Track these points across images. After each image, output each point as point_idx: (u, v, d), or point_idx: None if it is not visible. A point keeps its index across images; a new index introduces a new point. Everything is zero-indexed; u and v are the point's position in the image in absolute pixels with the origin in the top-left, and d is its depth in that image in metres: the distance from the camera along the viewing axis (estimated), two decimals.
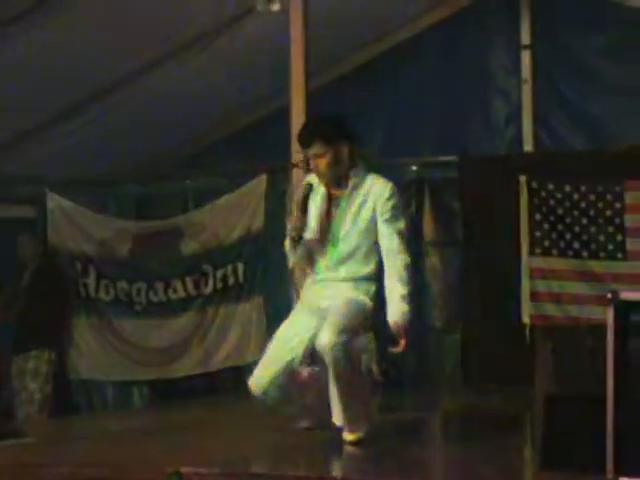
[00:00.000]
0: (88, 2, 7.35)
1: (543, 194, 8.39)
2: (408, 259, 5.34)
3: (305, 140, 5.43)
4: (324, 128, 5.41)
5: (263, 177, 8.86)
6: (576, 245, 8.32)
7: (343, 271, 5.40)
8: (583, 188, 8.32)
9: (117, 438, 6.16)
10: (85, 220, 9.36)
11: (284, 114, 7.36)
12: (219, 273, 9.11)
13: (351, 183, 5.40)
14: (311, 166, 5.46)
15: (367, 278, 5.42)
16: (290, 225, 5.44)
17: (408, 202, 8.71)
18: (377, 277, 5.45)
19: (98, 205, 9.45)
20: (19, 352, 8.80)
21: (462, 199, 8.66)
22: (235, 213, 9.02)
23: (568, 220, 8.34)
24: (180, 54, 8.48)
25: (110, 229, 9.37)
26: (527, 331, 8.28)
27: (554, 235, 8.37)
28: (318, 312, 5.37)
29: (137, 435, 6.30)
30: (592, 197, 8.28)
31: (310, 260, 5.47)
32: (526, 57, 9.21)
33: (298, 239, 5.35)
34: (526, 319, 8.33)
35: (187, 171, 9.60)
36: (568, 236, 8.34)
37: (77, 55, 7.80)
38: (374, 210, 5.34)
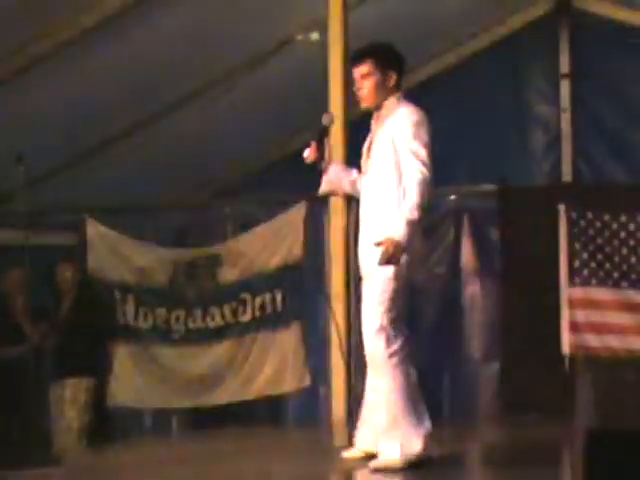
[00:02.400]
0: (125, 39, 7.42)
1: (582, 223, 8.35)
2: (418, 174, 5.13)
3: (357, 57, 5.46)
4: (378, 50, 5.44)
5: (302, 206, 8.87)
6: (615, 275, 8.28)
7: (374, 205, 5.33)
8: (623, 218, 8.28)
9: (154, 467, 6.16)
10: (124, 247, 9.38)
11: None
12: (257, 301, 9.11)
13: (384, 111, 5.39)
14: (356, 86, 5.45)
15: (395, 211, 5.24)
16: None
17: (446, 232, 8.73)
18: None
19: (137, 233, 9.49)
20: (57, 380, 8.84)
21: (501, 229, 8.64)
22: (274, 241, 9.02)
23: (607, 250, 8.30)
24: (217, 86, 8.55)
25: (149, 257, 9.39)
26: (567, 362, 8.21)
27: (593, 265, 8.32)
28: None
29: (173, 464, 6.30)
30: (632, 227, 8.24)
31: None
32: (565, 86, 9.22)
33: (315, 166, 5.44)
34: (566, 349, 8.27)
35: (226, 199, 9.64)
36: (607, 266, 8.29)
37: (116, 87, 7.89)
38: (395, 136, 5.26)
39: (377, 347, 5.25)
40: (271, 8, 7.83)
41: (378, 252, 5.14)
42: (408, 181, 5.16)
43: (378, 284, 5.25)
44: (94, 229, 9.37)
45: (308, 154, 5.54)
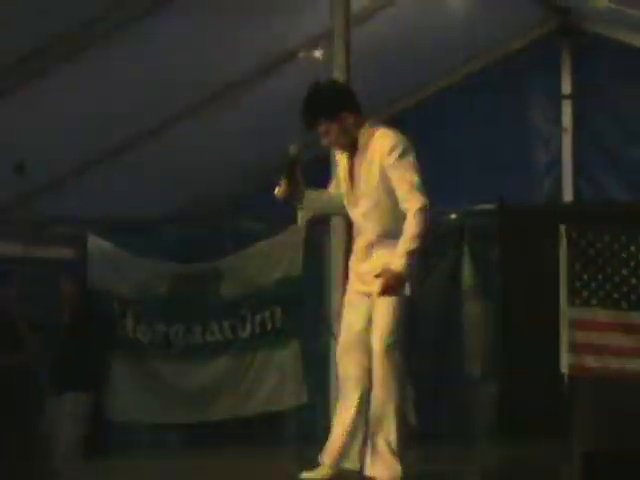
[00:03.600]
0: (127, 53, 7.44)
1: (583, 244, 8.35)
2: (417, 205, 5.11)
3: (308, 123, 5.37)
4: (320, 105, 5.33)
5: (303, 223, 8.87)
6: (615, 296, 8.27)
7: (369, 231, 5.32)
8: (623, 238, 8.28)
9: None
10: (124, 262, 9.39)
11: (326, 161, 7.38)
12: (257, 317, 9.11)
13: (361, 141, 5.31)
14: (323, 143, 5.40)
15: (395, 235, 5.22)
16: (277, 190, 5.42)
17: (446, 250, 8.73)
18: None
19: (137, 247, 9.49)
20: (56, 393, 8.83)
21: (501, 248, 8.64)
22: (274, 258, 9.03)
23: (608, 270, 8.29)
24: (219, 101, 8.56)
25: (149, 271, 9.40)
26: (566, 382, 8.20)
27: (593, 285, 8.32)
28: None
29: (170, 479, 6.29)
30: (632, 248, 8.24)
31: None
32: (567, 106, 9.24)
33: (285, 201, 5.39)
34: (565, 370, 8.26)
35: (226, 215, 9.65)
36: (608, 287, 8.29)
37: (117, 100, 7.90)
38: (381, 164, 5.22)
39: (390, 365, 5.26)
40: (274, 25, 7.85)
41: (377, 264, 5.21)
42: (408, 212, 5.16)
43: (391, 306, 5.27)
44: (94, 243, 9.39)
45: (278, 191, 5.44)
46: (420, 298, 8.66)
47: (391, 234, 5.26)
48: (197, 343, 9.28)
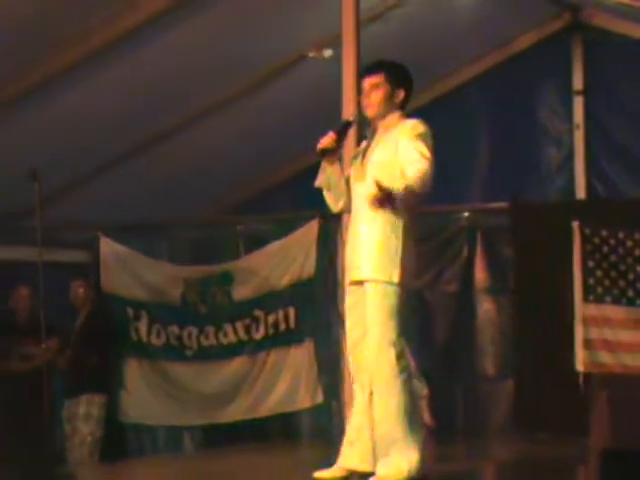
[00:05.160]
0: (138, 57, 7.45)
1: (596, 240, 8.31)
2: (421, 165, 5.10)
3: (370, 67, 5.49)
4: (391, 65, 5.47)
5: (315, 223, 8.87)
6: (630, 293, 8.24)
7: (364, 211, 5.29)
8: (637, 235, 8.25)
9: None
10: (137, 265, 9.41)
11: None
12: (270, 318, 9.11)
13: (387, 123, 5.38)
14: (364, 95, 5.45)
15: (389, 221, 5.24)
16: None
17: (460, 248, 8.72)
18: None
19: (150, 250, 9.50)
20: (71, 396, 8.84)
21: (514, 246, 8.61)
22: (286, 258, 9.03)
23: (622, 267, 8.26)
24: (230, 103, 8.57)
25: (162, 274, 9.41)
26: (581, 379, 8.17)
27: (607, 282, 8.29)
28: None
29: None
30: None
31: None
32: (578, 103, 9.20)
33: (322, 154, 5.37)
34: (580, 367, 8.22)
35: (238, 217, 9.65)
36: (621, 283, 8.26)
37: (128, 104, 7.91)
38: (397, 142, 5.26)
39: (387, 363, 5.23)
40: (284, 25, 7.85)
41: (376, 259, 5.20)
42: (410, 166, 5.13)
43: (380, 296, 5.24)
44: (107, 246, 9.40)
45: (323, 141, 5.43)
46: (433, 295, 8.73)
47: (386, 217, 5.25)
48: (211, 345, 9.29)
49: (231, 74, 8.25)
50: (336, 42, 7.51)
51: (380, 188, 5.13)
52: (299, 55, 8.37)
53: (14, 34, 6.77)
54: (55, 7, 6.72)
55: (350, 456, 5.44)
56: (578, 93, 9.20)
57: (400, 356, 5.25)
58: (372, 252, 5.26)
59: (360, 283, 5.34)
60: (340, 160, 5.57)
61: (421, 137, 5.24)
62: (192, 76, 7.89)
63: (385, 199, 5.16)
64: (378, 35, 7.82)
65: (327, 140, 5.42)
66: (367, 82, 5.47)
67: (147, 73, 7.67)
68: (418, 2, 8.22)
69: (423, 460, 5.26)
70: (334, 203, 5.58)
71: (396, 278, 5.22)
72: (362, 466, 5.38)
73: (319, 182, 5.55)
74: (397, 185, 5.13)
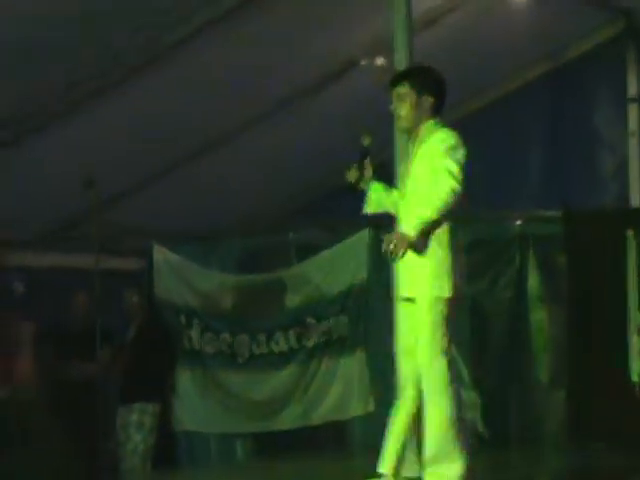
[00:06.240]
0: (192, 63, 7.49)
1: None
2: (446, 185, 5.08)
3: (395, 79, 5.46)
4: (415, 73, 5.47)
5: (366, 231, 8.87)
6: None
7: (411, 221, 5.22)
8: None
9: None
10: (190, 273, 9.46)
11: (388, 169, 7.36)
12: (322, 326, 9.12)
13: (422, 135, 5.35)
14: (393, 107, 5.42)
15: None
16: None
17: (512, 257, 8.67)
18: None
19: (203, 258, 9.55)
20: (124, 404, 8.90)
21: (567, 254, 8.54)
22: (338, 266, 9.04)
23: None
24: (282, 110, 8.58)
25: (214, 282, 9.46)
26: (637, 389, 8.07)
27: None
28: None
29: None
30: None
31: None
32: (633, 110, 9.12)
33: (352, 189, 5.42)
34: (635, 377, 8.13)
35: (291, 225, 9.67)
36: None
37: (181, 112, 7.95)
38: (431, 156, 5.23)
39: (439, 372, 5.22)
40: (335, 30, 7.84)
41: (424, 275, 5.16)
42: (438, 189, 5.12)
43: (430, 307, 5.23)
44: (161, 255, 9.47)
45: (348, 174, 5.53)
46: (487, 305, 8.68)
47: None
48: (262, 353, 9.31)
49: (280, 84, 8.24)
50: (388, 48, 7.49)
51: (402, 238, 5.06)
52: (350, 61, 8.36)
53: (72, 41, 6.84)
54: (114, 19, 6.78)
55: (394, 461, 5.42)
56: (632, 100, 9.11)
57: (451, 365, 5.24)
58: (420, 268, 5.22)
59: (411, 299, 5.35)
60: (376, 178, 5.56)
61: (450, 150, 5.20)
62: (243, 83, 7.90)
63: (398, 244, 5.05)
64: (430, 40, 7.79)
65: (350, 175, 5.50)
66: (394, 93, 5.42)
67: (199, 81, 7.70)
68: (472, 8, 8.18)
69: (470, 469, 5.25)
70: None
71: (446, 291, 5.20)
72: (407, 471, 5.36)
73: (368, 209, 5.58)
74: (424, 217, 5.08)
